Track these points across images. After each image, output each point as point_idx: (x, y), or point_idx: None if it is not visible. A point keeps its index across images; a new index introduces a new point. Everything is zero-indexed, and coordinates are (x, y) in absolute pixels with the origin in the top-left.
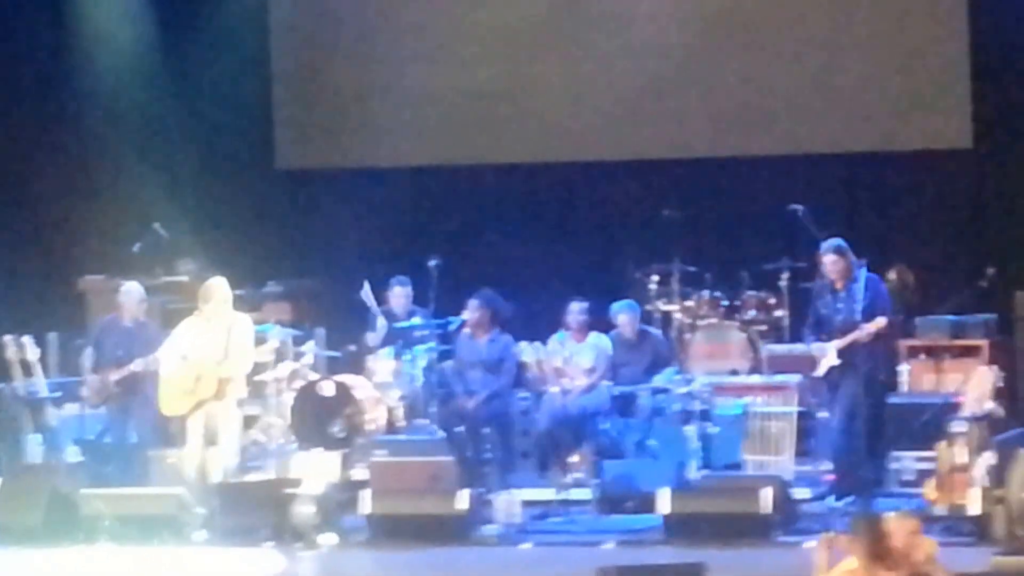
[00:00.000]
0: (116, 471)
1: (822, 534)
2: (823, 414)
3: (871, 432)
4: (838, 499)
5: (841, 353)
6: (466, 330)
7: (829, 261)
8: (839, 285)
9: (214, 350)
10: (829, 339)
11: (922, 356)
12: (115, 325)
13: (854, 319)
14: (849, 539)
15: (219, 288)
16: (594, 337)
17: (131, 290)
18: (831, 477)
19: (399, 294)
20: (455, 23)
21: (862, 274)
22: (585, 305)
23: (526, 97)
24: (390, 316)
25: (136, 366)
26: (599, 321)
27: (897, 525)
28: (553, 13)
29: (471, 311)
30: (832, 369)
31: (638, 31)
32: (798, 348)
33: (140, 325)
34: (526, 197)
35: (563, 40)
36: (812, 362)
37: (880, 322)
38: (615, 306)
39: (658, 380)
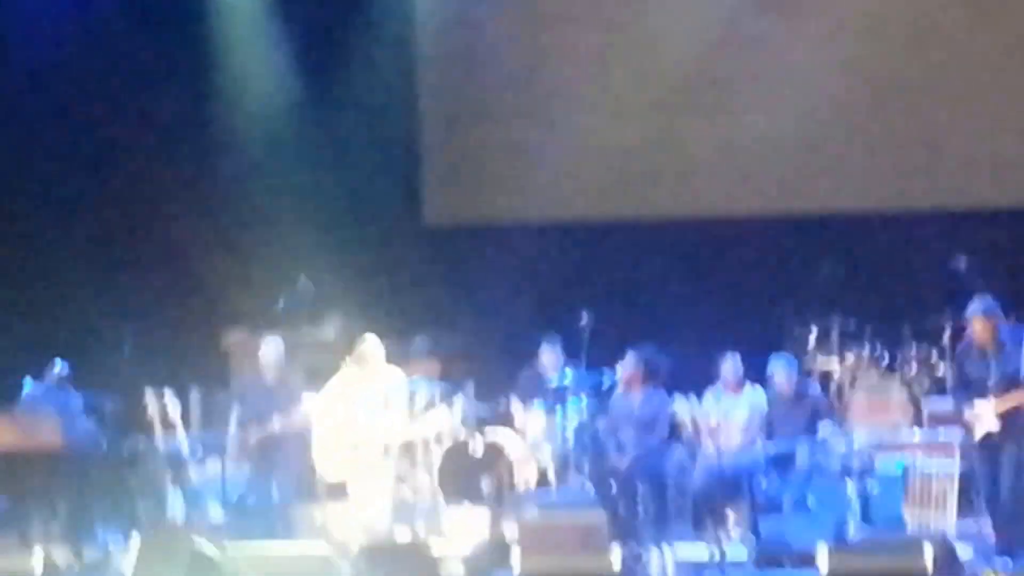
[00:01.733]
0: (259, 529)
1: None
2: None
3: None
4: (1002, 556)
5: (1003, 415)
6: (620, 387)
7: (978, 321)
8: (988, 345)
9: (371, 409)
10: (981, 401)
11: None
12: (258, 382)
13: (1012, 380)
14: None
15: (372, 345)
16: (750, 392)
17: (272, 346)
18: (995, 535)
19: (550, 352)
20: (608, 76)
21: (1019, 332)
22: (739, 359)
23: (680, 151)
24: (534, 374)
25: (274, 426)
26: (757, 376)
27: None
28: (707, 65)
29: (626, 366)
30: (992, 432)
31: (796, 82)
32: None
33: (282, 381)
34: (682, 252)
35: (718, 92)
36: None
37: None
38: (773, 360)
39: (815, 436)
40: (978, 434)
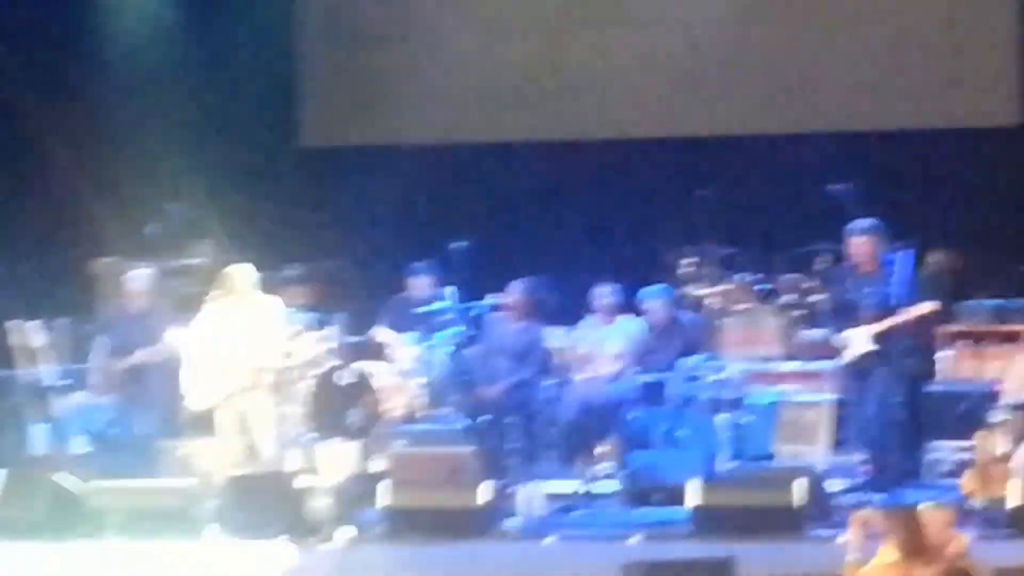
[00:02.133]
0: (124, 463)
1: (855, 513)
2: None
3: (907, 422)
4: (874, 491)
5: (876, 339)
6: (498, 314)
7: (856, 243)
8: (867, 268)
9: (242, 338)
10: (855, 325)
11: (962, 343)
12: (123, 311)
13: (887, 304)
14: (884, 517)
15: (245, 274)
16: (623, 322)
17: (136, 277)
18: (867, 468)
19: (423, 280)
20: None
21: (900, 257)
22: (613, 288)
23: (558, 73)
24: (406, 302)
25: (139, 356)
26: (630, 306)
27: (931, 517)
28: None
29: (513, 294)
30: (864, 356)
31: (674, 5)
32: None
33: (147, 312)
34: (555, 176)
35: (598, 14)
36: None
37: (927, 307)
38: (645, 291)
39: (688, 367)
40: (849, 357)
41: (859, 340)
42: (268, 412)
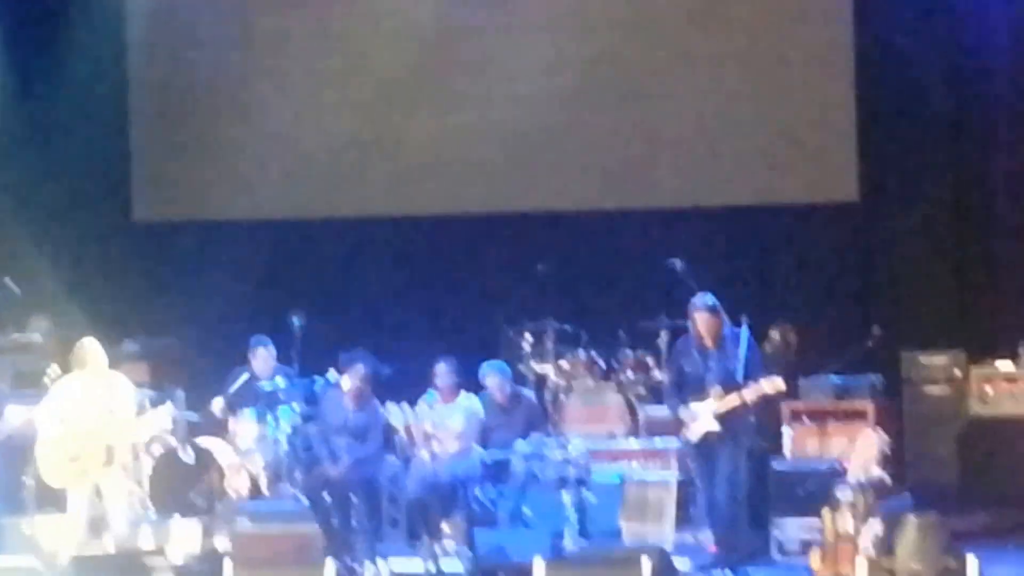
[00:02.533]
0: None
1: None
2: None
3: (753, 499)
4: (722, 569)
5: (720, 417)
6: (334, 391)
7: (700, 319)
8: (709, 343)
9: (95, 414)
10: (698, 400)
11: (805, 419)
12: None
13: (731, 380)
14: None
15: (94, 348)
16: (464, 399)
17: None
18: (713, 547)
19: (262, 356)
20: (321, 70)
21: (743, 333)
22: (453, 366)
23: (393, 147)
24: (250, 382)
25: None
26: (471, 382)
27: None
28: (424, 59)
29: (354, 378)
30: (709, 434)
31: (512, 80)
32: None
33: None
34: (393, 251)
35: (433, 88)
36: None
37: (773, 384)
38: (485, 367)
39: (529, 444)
40: (695, 435)
41: (703, 418)
42: (121, 489)
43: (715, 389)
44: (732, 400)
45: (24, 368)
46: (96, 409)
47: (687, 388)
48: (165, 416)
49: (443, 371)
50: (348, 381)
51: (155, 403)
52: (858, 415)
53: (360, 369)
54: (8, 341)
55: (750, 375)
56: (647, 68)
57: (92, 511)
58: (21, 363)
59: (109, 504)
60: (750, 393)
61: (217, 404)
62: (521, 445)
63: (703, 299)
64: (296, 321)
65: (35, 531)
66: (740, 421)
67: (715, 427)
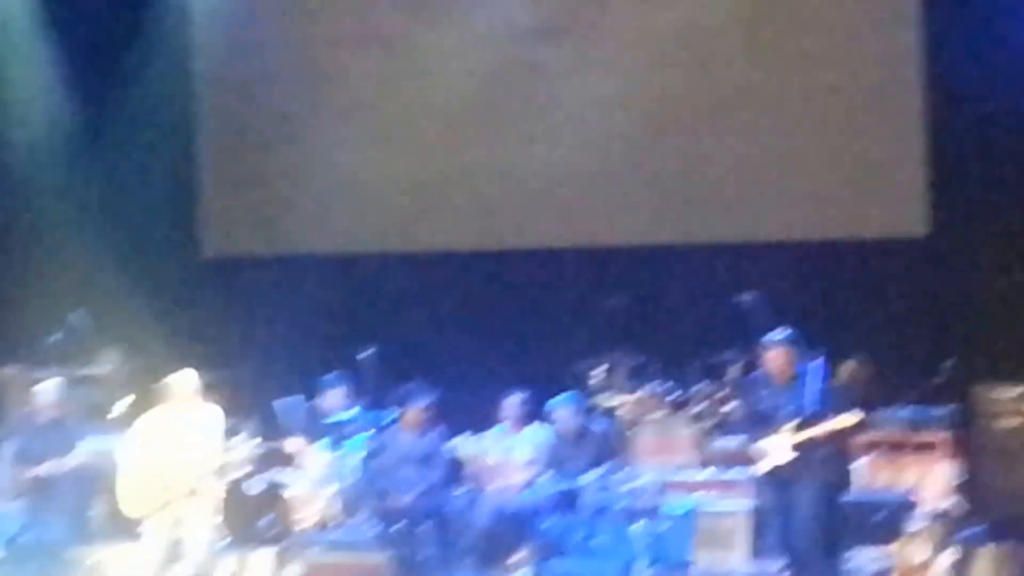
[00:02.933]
0: (36, 571)
1: None
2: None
3: (826, 530)
4: None
5: (795, 448)
6: (396, 425)
7: (772, 354)
8: (783, 378)
9: (179, 445)
10: (770, 434)
11: (878, 451)
12: (32, 420)
13: (803, 414)
14: None
15: (185, 381)
16: (532, 430)
17: (46, 389)
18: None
19: (334, 395)
20: (390, 107)
21: (812, 367)
22: (522, 397)
23: (465, 182)
24: (322, 414)
25: (44, 470)
26: (539, 415)
27: None
28: (493, 95)
29: (409, 405)
30: (782, 466)
31: (584, 115)
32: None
33: (56, 423)
34: (465, 286)
35: (505, 123)
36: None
37: (850, 418)
38: (555, 400)
39: (600, 476)
40: (766, 467)
41: (778, 450)
42: (204, 519)
43: (789, 424)
44: (808, 433)
45: (95, 401)
46: (182, 439)
47: (760, 423)
48: (251, 446)
49: (512, 403)
50: (405, 413)
51: (227, 434)
52: (930, 447)
53: (416, 401)
54: (79, 374)
55: (824, 409)
56: (715, 104)
57: (170, 542)
58: (92, 396)
59: (189, 534)
60: (827, 426)
61: (291, 441)
62: (591, 477)
63: (778, 334)
64: (366, 355)
65: (101, 562)
66: (814, 453)
67: (787, 459)
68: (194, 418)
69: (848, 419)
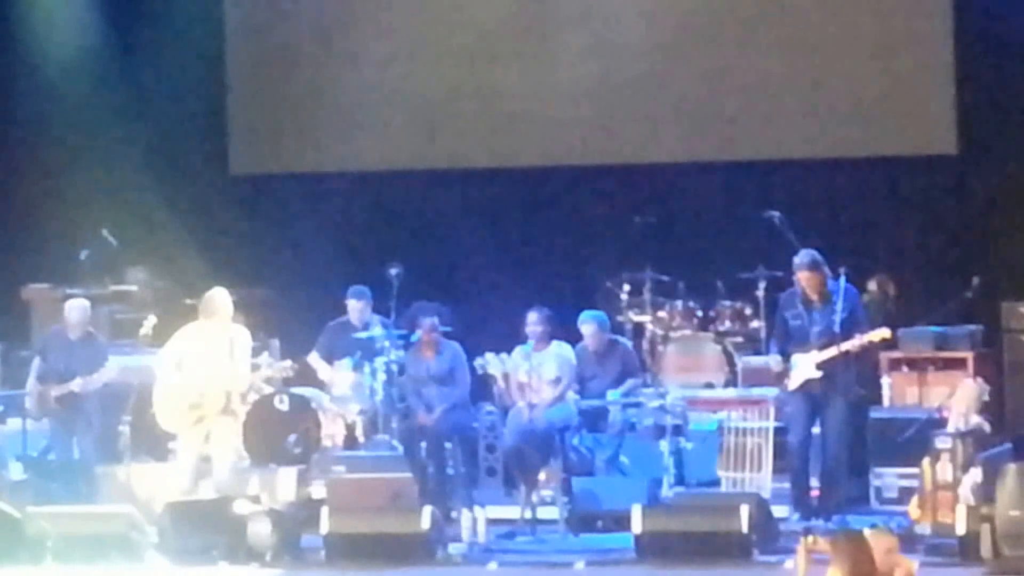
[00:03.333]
0: (62, 489)
1: (802, 538)
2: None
3: (853, 448)
4: (818, 517)
5: (822, 366)
6: (413, 345)
7: (804, 277)
8: (814, 298)
9: (215, 363)
10: (800, 352)
11: (905, 369)
12: (60, 338)
13: (832, 332)
14: (831, 543)
15: (223, 299)
16: (557, 347)
17: (76, 306)
18: (811, 494)
19: (355, 307)
20: (415, 24)
21: (840, 285)
22: (545, 314)
23: (490, 99)
24: (347, 328)
25: (75, 386)
26: (568, 331)
27: (876, 543)
28: (519, 13)
29: (423, 329)
30: (808, 382)
31: (610, 31)
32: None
33: (86, 340)
34: (491, 202)
35: (530, 41)
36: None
37: (879, 333)
38: (582, 316)
39: (627, 393)
40: (794, 383)
41: (803, 367)
42: (229, 437)
43: (818, 341)
44: (834, 350)
45: (121, 318)
46: (218, 357)
47: (791, 341)
48: (281, 365)
49: (534, 319)
50: (419, 332)
51: (252, 353)
52: (958, 364)
53: (427, 320)
54: (106, 291)
55: (852, 327)
56: (744, 19)
57: (199, 458)
58: (118, 313)
59: (216, 451)
60: (854, 343)
61: (313, 356)
62: (618, 393)
63: (806, 256)
64: (393, 271)
65: (131, 479)
66: (841, 370)
67: (815, 375)
68: (226, 337)
69: (874, 335)
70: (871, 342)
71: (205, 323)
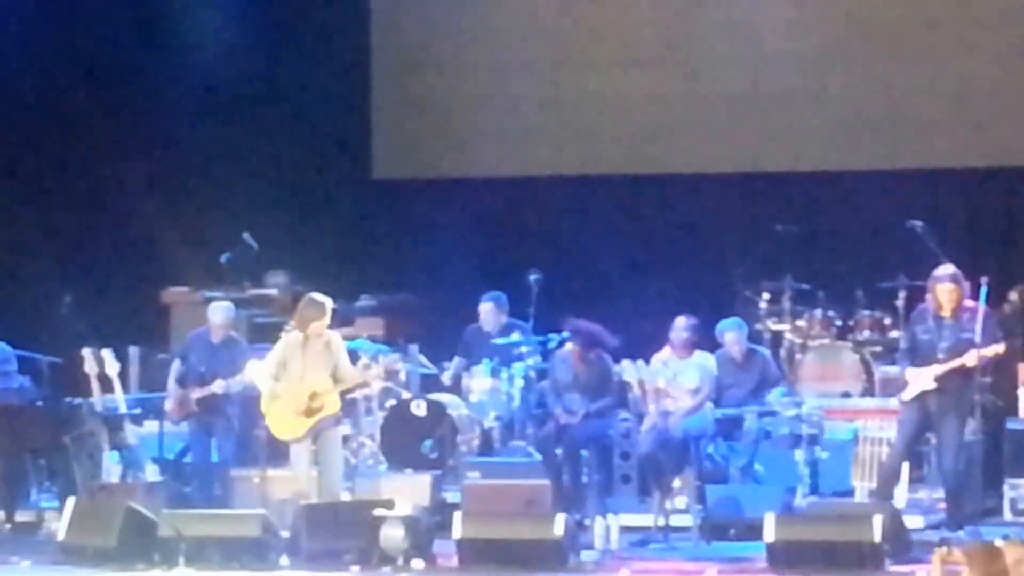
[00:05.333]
0: (197, 491)
1: (936, 549)
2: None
3: (988, 459)
4: (952, 529)
5: (943, 379)
6: (564, 349)
7: (944, 290)
8: (946, 313)
9: (320, 368)
10: (926, 365)
11: None
12: (202, 341)
13: (960, 349)
14: (965, 553)
15: (325, 305)
16: (699, 356)
17: (220, 308)
18: (944, 505)
19: (486, 310)
20: (560, 30)
21: (980, 299)
22: (691, 322)
23: (636, 106)
24: (479, 333)
25: (218, 388)
26: (706, 340)
27: (1010, 552)
28: (668, 19)
29: (574, 341)
30: (924, 395)
31: (755, 40)
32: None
33: (228, 343)
34: (632, 209)
35: (676, 47)
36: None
37: (997, 348)
38: (722, 324)
39: (765, 402)
40: (908, 395)
41: (923, 378)
42: (338, 443)
43: (946, 357)
44: (953, 363)
45: (261, 322)
46: (318, 363)
47: (920, 355)
48: (380, 369)
49: (680, 326)
50: (570, 344)
51: (390, 356)
52: None
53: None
54: (246, 295)
55: (982, 343)
56: (890, 29)
57: (313, 464)
58: (257, 317)
59: (330, 455)
60: (970, 357)
61: (454, 362)
62: (755, 401)
63: (945, 270)
64: (533, 277)
65: (266, 483)
66: (962, 382)
67: (931, 387)
68: (321, 342)
69: (989, 351)
70: (993, 354)
71: (307, 328)
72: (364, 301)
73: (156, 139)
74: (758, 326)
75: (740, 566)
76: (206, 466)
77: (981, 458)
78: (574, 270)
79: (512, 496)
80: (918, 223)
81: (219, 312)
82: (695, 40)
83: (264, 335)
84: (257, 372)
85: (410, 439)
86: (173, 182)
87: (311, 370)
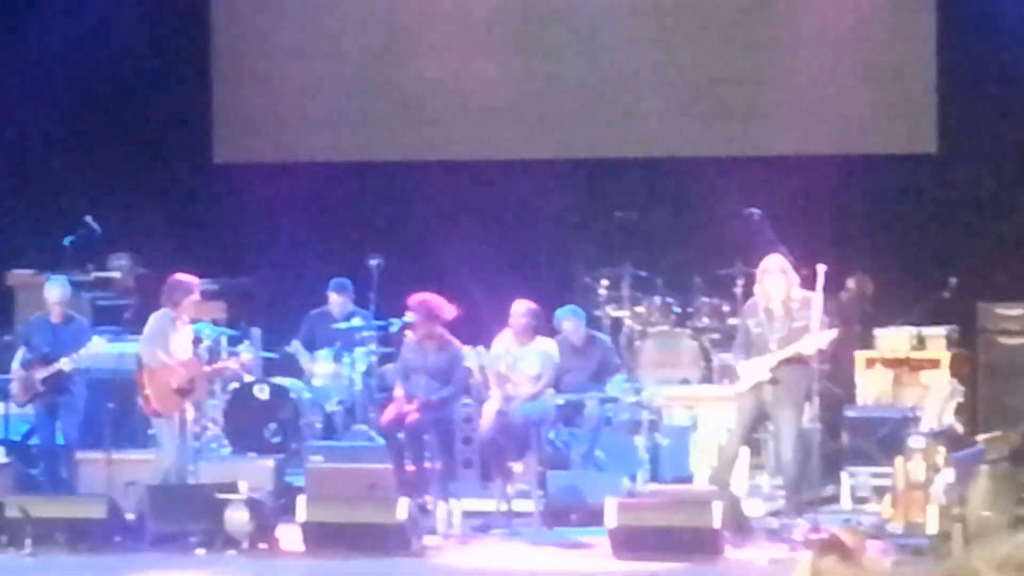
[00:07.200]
0: (43, 474)
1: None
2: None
3: (825, 447)
4: (791, 516)
5: (777, 369)
6: (412, 335)
7: (769, 280)
8: (776, 304)
9: (187, 349)
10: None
11: (880, 368)
12: (42, 323)
13: (792, 337)
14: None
15: (196, 286)
16: (540, 342)
17: (55, 285)
18: (783, 492)
19: (336, 301)
20: (396, 16)
21: (817, 289)
22: (530, 307)
23: (473, 93)
24: (327, 319)
25: (64, 364)
26: (546, 326)
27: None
28: (506, 4)
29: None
30: (764, 386)
31: (592, 26)
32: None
33: (68, 322)
34: (471, 195)
35: (512, 34)
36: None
37: (830, 334)
38: (559, 312)
39: (607, 388)
40: (743, 386)
41: (755, 369)
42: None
43: (779, 349)
44: (784, 352)
45: (103, 304)
46: (186, 344)
47: (754, 348)
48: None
49: (518, 311)
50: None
51: (232, 341)
52: (933, 365)
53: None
54: (90, 277)
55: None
56: (724, 16)
57: (174, 443)
58: (100, 299)
59: (189, 435)
60: (803, 345)
61: (295, 346)
62: (596, 388)
63: (772, 261)
64: (373, 262)
65: (110, 465)
66: (797, 371)
67: (765, 377)
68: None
69: (820, 339)
70: (819, 345)
71: (174, 311)
72: (206, 284)
73: (2, 124)
74: (597, 312)
75: (582, 551)
76: (52, 448)
77: (820, 446)
78: (414, 255)
79: (355, 480)
80: (755, 211)
81: (54, 289)
82: (533, 25)
83: (107, 317)
84: (142, 346)
85: (253, 422)
86: (14, 165)
87: (182, 350)
